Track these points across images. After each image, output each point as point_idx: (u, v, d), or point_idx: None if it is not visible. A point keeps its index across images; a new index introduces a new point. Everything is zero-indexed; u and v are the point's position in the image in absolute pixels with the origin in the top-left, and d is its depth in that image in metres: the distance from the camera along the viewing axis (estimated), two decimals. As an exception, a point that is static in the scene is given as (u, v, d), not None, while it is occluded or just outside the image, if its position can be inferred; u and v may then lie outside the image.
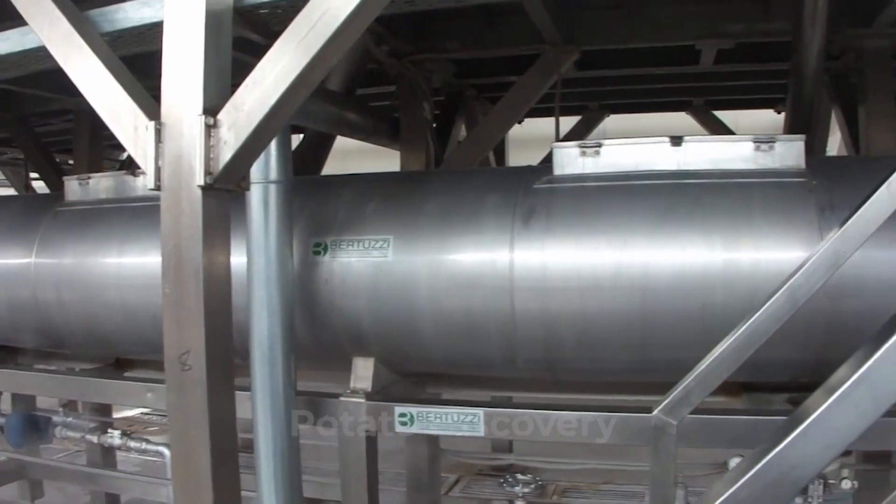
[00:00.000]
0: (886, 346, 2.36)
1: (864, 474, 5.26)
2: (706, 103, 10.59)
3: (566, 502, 8.57)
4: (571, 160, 4.85)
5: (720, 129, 10.61)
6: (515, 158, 10.67)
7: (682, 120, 11.02)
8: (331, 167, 9.52)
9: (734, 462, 4.94)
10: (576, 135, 10.41)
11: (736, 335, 2.59)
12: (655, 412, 2.69)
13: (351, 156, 10.97)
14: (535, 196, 4.77)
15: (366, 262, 4.85)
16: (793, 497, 2.41)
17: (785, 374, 4.68)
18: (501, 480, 6.32)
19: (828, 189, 4.41)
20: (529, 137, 10.31)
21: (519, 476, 6.10)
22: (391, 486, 8.20)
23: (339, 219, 5.03)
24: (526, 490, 6.02)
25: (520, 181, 4.91)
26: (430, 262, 4.78)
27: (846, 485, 5.02)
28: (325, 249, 4.94)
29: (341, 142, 8.03)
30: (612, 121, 11.60)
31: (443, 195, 5.07)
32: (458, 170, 7.19)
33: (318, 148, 7.55)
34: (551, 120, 9.96)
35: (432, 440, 6.30)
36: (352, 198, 5.17)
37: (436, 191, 5.15)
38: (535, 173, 4.96)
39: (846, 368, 2.42)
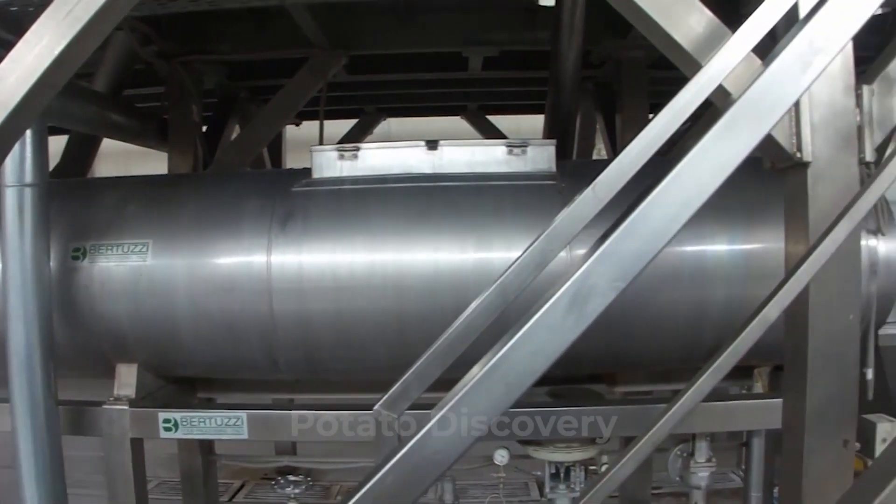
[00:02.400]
0: (518, 335, 2.53)
1: (624, 459, 5.51)
2: (480, 108, 10.90)
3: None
4: (330, 163, 4.94)
5: (494, 133, 10.92)
6: (294, 160, 10.67)
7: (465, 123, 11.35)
8: (111, 169, 9.27)
9: (499, 454, 5.10)
10: (353, 138, 10.54)
11: (450, 331, 2.72)
12: (376, 407, 2.79)
13: (135, 157, 10.68)
14: (293, 199, 4.84)
15: (125, 267, 4.78)
16: (436, 478, 2.53)
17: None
18: (273, 483, 6.32)
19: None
20: (309, 140, 10.35)
21: (290, 477, 6.11)
22: (172, 494, 8.10)
23: (99, 223, 4.94)
24: (297, 491, 6.04)
25: (279, 185, 4.98)
26: (189, 266, 4.77)
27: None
28: (85, 254, 4.84)
29: (124, 144, 7.83)
30: (398, 124, 11.80)
31: (203, 198, 5.07)
32: (221, 173, 7.16)
33: (83, 150, 7.32)
34: (332, 122, 10.05)
35: (205, 445, 6.23)
36: (113, 201, 5.08)
37: (197, 194, 5.14)
38: (294, 176, 5.03)
39: (485, 358, 2.57)
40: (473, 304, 2.68)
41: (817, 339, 3.01)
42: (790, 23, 2.73)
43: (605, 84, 8.29)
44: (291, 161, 10.62)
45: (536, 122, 11.33)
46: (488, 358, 2.51)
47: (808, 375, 3.02)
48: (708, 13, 2.97)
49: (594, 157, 10.07)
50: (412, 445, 2.51)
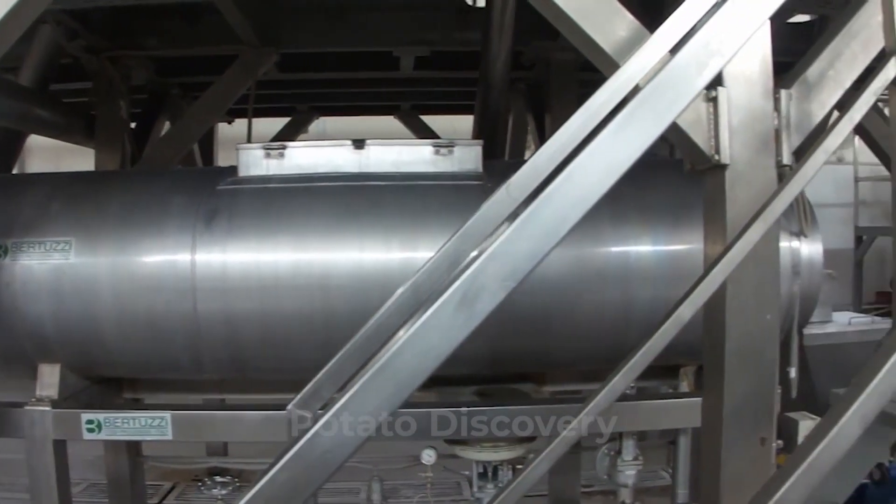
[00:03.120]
0: (407, 335, 2.54)
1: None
2: (413, 108, 10.91)
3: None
4: (256, 161, 4.91)
5: (427, 133, 10.93)
6: (226, 159, 10.60)
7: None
8: (42, 165, 9.09)
9: (426, 454, 5.09)
10: (285, 136, 10.49)
11: (363, 331, 2.72)
12: (289, 407, 2.78)
13: (66, 154, 10.52)
14: (218, 197, 4.80)
15: (48, 265, 4.70)
16: (328, 478, 2.53)
17: (466, 368, 4.89)
18: (200, 484, 6.28)
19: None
20: (241, 138, 10.28)
21: (217, 478, 6.08)
22: (101, 497, 7.98)
23: (22, 220, 4.85)
24: (224, 492, 6.01)
25: (205, 183, 4.94)
26: (112, 265, 4.70)
27: (536, 469, 5.26)
28: (6, 252, 4.74)
29: (55, 140, 7.73)
30: (333, 123, 11.76)
31: (128, 196, 5.00)
32: (147, 171, 7.07)
33: (7, 145, 7.19)
34: (265, 120, 9.96)
35: (132, 447, 6.15)
36: (36, 198, 4.99)
37: (122, 191, 5.07)
38: (220, 174, 5.00)
39: (375, 358, 2.58)
40: (387, 304, 2.68)
41: (734, 338, 3.04)
42: (706, 25, 2.76)
43: (537, 85, 8.34)
44: (223, 159, 10.54)
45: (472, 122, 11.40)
46: (378, 358, 2.51)
47: (726, 374, 3.06)
48: (628, 16, 2.99)
49: (526, 157, 10.10)
50: (301, 445, 2.51)
